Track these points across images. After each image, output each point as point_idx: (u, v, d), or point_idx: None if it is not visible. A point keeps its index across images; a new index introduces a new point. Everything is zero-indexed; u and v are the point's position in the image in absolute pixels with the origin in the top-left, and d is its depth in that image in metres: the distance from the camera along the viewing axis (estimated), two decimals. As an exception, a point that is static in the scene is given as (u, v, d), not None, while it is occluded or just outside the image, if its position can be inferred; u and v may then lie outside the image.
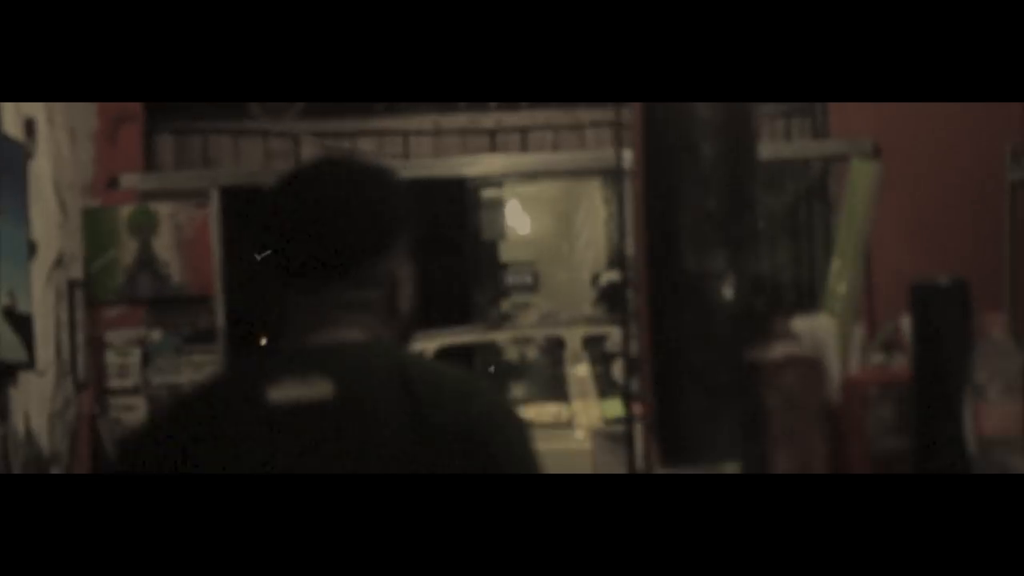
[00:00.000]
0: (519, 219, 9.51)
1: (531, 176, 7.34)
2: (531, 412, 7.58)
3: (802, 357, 2.27)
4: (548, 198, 9.48)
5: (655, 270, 3.20)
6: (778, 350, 2.26)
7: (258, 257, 1.85)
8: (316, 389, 1.75)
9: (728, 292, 3.21)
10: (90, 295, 5.79)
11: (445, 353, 7.57)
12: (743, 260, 3.23)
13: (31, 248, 4.90)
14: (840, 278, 2.88)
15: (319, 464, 1.72)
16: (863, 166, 3.16)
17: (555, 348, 7.91)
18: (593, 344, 7.67)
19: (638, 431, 3.49)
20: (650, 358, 3.02)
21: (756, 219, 3.32)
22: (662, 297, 3.21)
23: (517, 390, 7.64)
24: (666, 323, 3.23)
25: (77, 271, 5.70)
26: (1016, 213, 5.04)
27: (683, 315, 3.20)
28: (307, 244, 1.81)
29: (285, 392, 1.75)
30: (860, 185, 2.91)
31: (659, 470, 3.15)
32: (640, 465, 3.06)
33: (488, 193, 9.16)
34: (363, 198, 1.84)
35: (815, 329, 2.39)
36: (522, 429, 1.81)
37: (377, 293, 1.84)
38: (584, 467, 6.37)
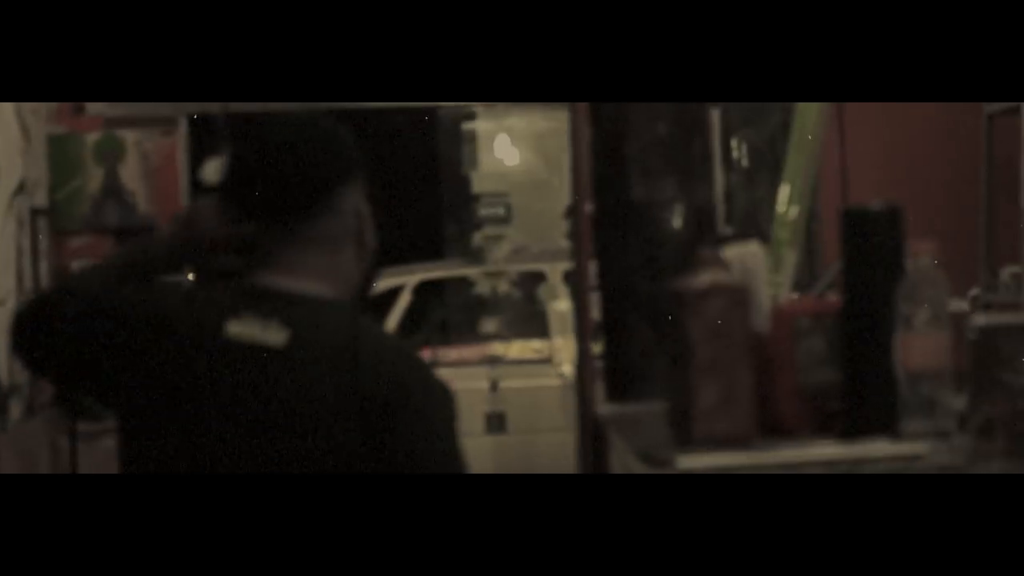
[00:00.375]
0: (501, 151, 9.38)
1: (503, 104, 7.25)
2: (513, 348, 7.47)
3: (727, 285, 2.16)
4: (536, 131, 9.35)
5: (601, 199, 3.10)
6: (703, 278, 2.15)
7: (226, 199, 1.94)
8: (271, 334, 1.85)
9: (677, 221, 3.11)
10: (55, 223, 5.71)
11: (423, 287, 7.47)
12: (693, 188, 3.13)
13: (-11, 174, 4.82)
14: (789, 204, 2.79)
15: (255, 405, 1.83)
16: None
17: (529, 282, 7.77)
18: (573, 278, 7.52)
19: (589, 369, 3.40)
20: (589, 290, 2.94)
21: (707, 145, 3.22)
22: (608, 227, 3.11)
23: (490, 325, 7.53)
24: (612, 254, 3.13)
25: (42, 199, 5.62)
26: (993, 145, 4.95)
27: (629, 245, 3.10)
28: (273, 180, 1.90)
29: (242, 330, 1.85)
30: (810, 106, 2.81)
31: (603, 407, 3.07)
32: (586, 403, 2.97)
33: (467, 125, 9.04)
34: (319, 137, 1.95)
35: (744, 257, 2.29)
36: (450, 403, 1.91)
37: (344, 224, 1.93)
38: (555, 404, 6.31)
